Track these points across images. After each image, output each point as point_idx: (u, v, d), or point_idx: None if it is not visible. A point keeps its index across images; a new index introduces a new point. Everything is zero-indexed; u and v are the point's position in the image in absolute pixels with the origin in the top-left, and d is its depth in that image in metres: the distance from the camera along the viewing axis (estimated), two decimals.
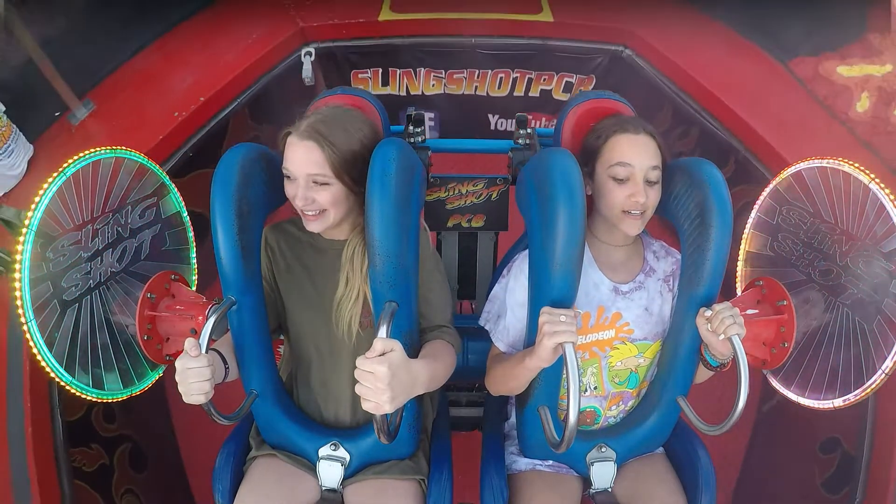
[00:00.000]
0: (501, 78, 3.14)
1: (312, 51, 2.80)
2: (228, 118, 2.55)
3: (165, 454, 2.53)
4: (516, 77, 3.13)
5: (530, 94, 3.21)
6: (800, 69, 2.51)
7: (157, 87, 2.44)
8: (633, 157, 1.42)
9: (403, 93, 3.22)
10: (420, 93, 3.23)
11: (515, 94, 3.21)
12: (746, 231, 1.80)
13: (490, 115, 3.37)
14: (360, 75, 3.12)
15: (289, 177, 1.41)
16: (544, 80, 3.14)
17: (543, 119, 3.31)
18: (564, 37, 2.90)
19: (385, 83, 3.19)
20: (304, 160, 1.37)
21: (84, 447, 1.95)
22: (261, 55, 2.63)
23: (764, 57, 2.63)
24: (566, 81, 3.13)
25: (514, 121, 2.99)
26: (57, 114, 2.30)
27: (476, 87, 3.21)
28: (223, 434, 1.59)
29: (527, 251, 1.48)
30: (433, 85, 3.22)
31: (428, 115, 3.33)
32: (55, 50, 2.15)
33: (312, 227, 1.42)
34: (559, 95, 3.20)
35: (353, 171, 1.39)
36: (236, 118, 2.64)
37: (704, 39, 2.72)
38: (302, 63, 2.81)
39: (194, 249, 1.81)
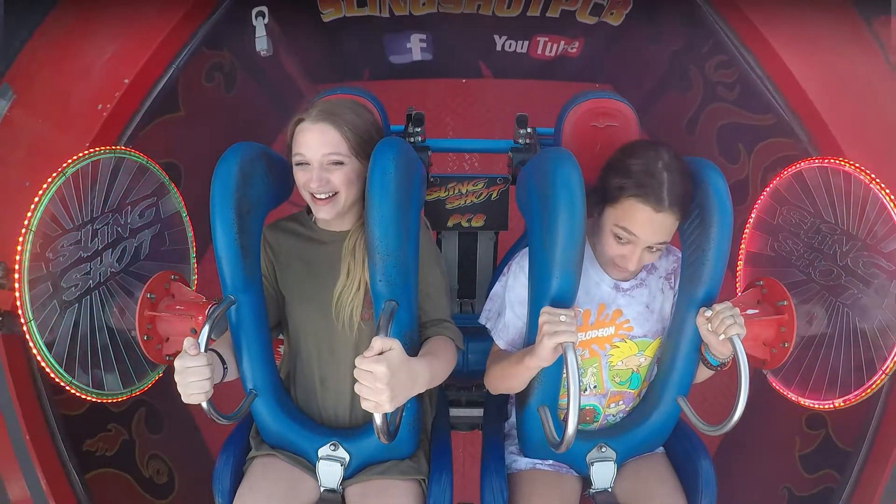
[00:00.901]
0: None
1: (265, 10, 2.32)
2: (186, 62, 2.20)
3: (176, 407, 2.44)
4: None
5: (548, 15, 2.75)
6: (883, 32, 2.09)
7: (78, 64, 2.01)
8: (642, 231, 1.35)
9: (386, 14, 2.77)
10: (408, 13, 2.76)
11: (529, 13, 2.73)
12: (746, 231, 1.80)
13: (496, 36, 2.95)
14: None
15: (300, 163, 1.41)
16: None
17: (562, 42, 2.91)
18: None
19: (362, 3, 2.71)
20: (319, 142, 1.38)
21: (103, 433, 1.98)
22: None
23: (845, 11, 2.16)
24: (595, 3, 2.69)
25: (525, 42, 2.82)
26: None
27: (479, 5, 2.71)
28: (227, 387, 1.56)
29: (527, 249, 1.49)
30: (423, 4, 2.73)
31: (418, 37, 2.90)
32: None
33: (323, 212, 1.42)
34: (584, 18, 2.79)
35: (368, 147, 1.40)
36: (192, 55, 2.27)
37: None
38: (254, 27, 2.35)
39: (193, 247, 1.81)
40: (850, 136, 1.93)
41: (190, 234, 1.79)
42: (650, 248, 1.38)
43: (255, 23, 2.31)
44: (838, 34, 2.06)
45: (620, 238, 1.38)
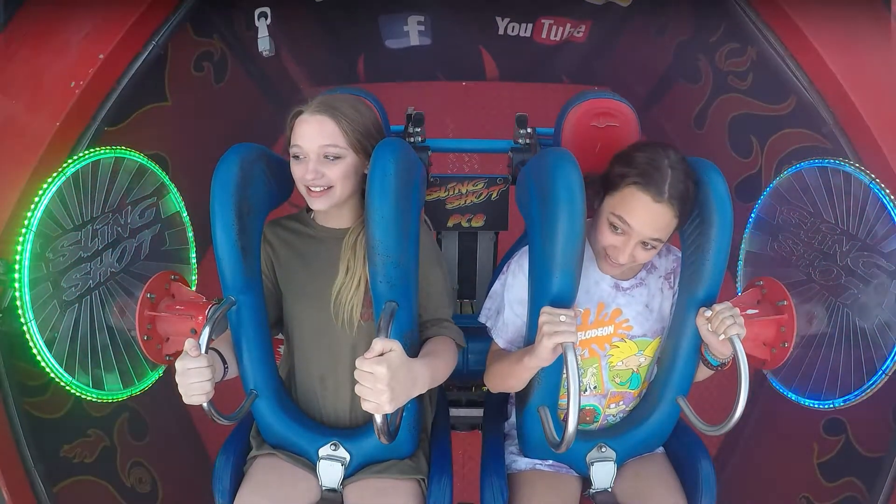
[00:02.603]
0: None
1: (268, 11, 2.26)
2: (167, 41, 2.10)
3: (162, 413, 2.39)
4: None
5: None
6: None
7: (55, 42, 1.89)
8: (637, 222, 1.34)
9: None
10: None
11: None
12: (746, 231, 1.80)
13: (498, 19, 2.78)
14: None
15: (297, 156, 1.41)
16: None
17: (568, 25, 2.76)
18: None
19: None
20: (316, 133, 1.38)
21: (82, 438, 1.91)
22: None
23: None
24: None
25: (530, 25, 2.63)
26: None
27: None
28: (227, 387, 1.53)
29: (526, 248, 1.49)
30: None
31: (416, 19, 2.75)
32: None
33: (318, 203, 1.42)
34: None
35: (366, 143, 1.41)
36: (176, 38, 2.17)
37: None
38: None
39: (194, 248, 1.81)
40: (880, 116, 1.80)
41: (190, 234, 1.79)
42: (644, 244, 1.37)
43: (257, 23, 2.26)
44: (867, 9, 1.93)
45: (616, 228, 1.37)
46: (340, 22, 2.93)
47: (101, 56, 1.84)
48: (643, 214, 1.34)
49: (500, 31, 2.79)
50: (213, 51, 2.49)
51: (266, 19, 2.23)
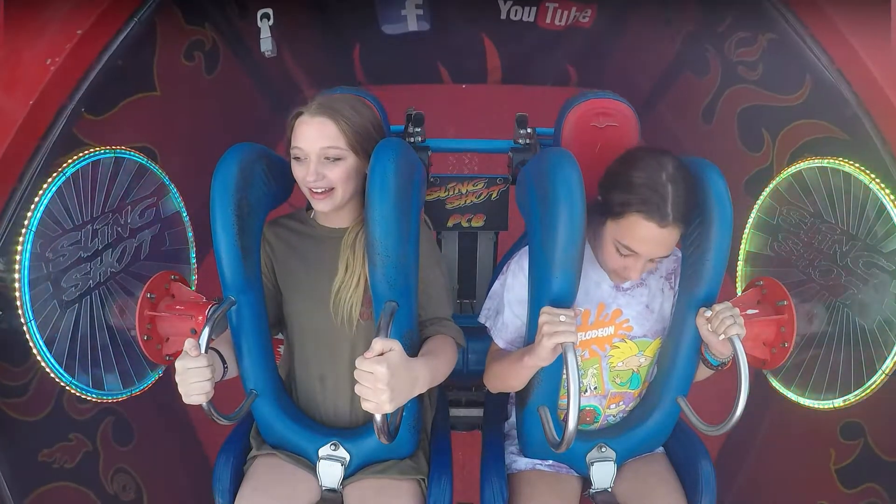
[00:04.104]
0: None
1: (270, 12, 2.21)
2: (150, 17, 1.99)
3: (148, 419, 2.27)
4: None
5: None
6: None
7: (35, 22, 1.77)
8: (645, 249, 1.33)
9: None
10: None
11: None
12: (746, 231, 1.80)
13: (501, 2, 2.67)
14: None
15: (298, 157, 1.41)
16: None
17: (573, 9, 2.65)
18: None
19: None
20: (317, 135, 1.38)
21: (63, 442, 1.82)
22: None
23: None
24: None
25: (534, 9, 2.50)
26: None
27: None
28: (227, 387, 1.51)
29: (526, 248, 1.49)
30: None
31: (414, 2, 2.63)
32: None
33: (321, 205, 1.43)
34: None
35: (366, 145, 1.41)
36: (166, 26, 2.13)
37: None
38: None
39: (194, 248, 1.81)
40: None
41: (190, 233, 1.79)
42: (651, 260, 1.38)
43: (259, 24, 2.21)
44: None
45: (622, 252, 1.37)
46: (335, 9, 2.82)
47: (80, 32, 1.73)
48: (650, 241, 1.32)
49: (503, 16, 2.66)
50: (205, 40, 2.40)
51: (269, 20, 2.19)
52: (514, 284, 1.52)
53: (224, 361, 1.42)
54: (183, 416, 2.47)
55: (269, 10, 2.18)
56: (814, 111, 1.99)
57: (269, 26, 2.19)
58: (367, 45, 3.05)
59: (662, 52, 2.83)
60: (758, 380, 1.59)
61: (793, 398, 1.57)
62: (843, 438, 1.95)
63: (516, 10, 2.63)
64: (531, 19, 2.82)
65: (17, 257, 1.32)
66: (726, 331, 1.32)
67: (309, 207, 1.57)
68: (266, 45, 2.21)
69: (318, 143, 1.38)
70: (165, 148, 2.08)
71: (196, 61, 2.42)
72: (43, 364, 1.36)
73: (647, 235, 1.31)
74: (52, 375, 1.37)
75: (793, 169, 1.65)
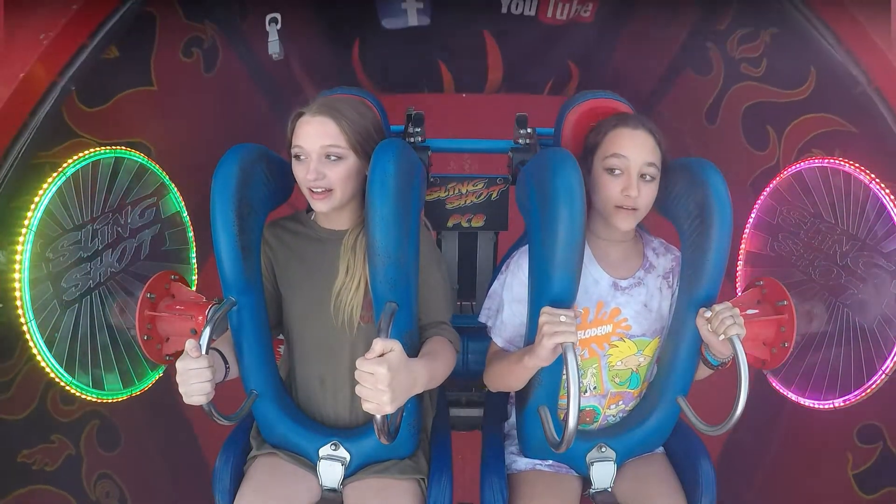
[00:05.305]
0: None
1: (278, 16, 2.22)
2: (154, 16, 2.01)
3: (135, 423, 2.21)
4: None
5: None
6: None
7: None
8: (629, 150, 1.42)
9: None
10: None
11: None
12: (746, 231, 1.80)
13: None
14: None
15: (298, 156, 1.41)
16: None
17: (575, 2, 2.64)
18: None
19: None
20: (318, 133, 1.38)
21: (44, 444, 1.78)
22: None
23: None
24: None
25: (535, 3, 2.51)
26: None
27: None
28: (227, 388, 1.49)
29: (525, 247, 1.49)
30: None
31: None
32: None
33: (320, 205, 1.43)
34: None
35: (367, 145, 1.42)
36: (165, 20, 2.11)
37: None
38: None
39: (194, 248, 1.80)
40: None
41: (190, 233, 1.79)
42: (643, 176, 1.42)
43: (268, 28, 2.22)
44: None
45: (613, 168, 1.42)
46: (335, 4, 2.80)
47: (74, 7, 1.69)
48: (631, 140, 1.43)
49: (504, 10, 2.62)
50: (204, 37, 2.37)
51: (277, 24, 2.20)
52: (513, 283, 1.52)
53: (226, 361, 1.42)
54: (180, 416, 2.44)
55: (278, 15, 2.19)
56: (820, 104, 1.98)
57: (277, 30, 2.21)
58: (368, 42, 3.04)
59: (665, 48, 2.81)
60: (761, 382, 1.58)
61: (793, 398, 1.56)
62: (861, 442, 1.93)
63: (518, 4, 2.60)
64: (532, 13, 2.82)
65: (18, 257, 1.32)
66: (726, 331, 1.32)
67: (309, 209, 1.57)
68: (274, 48, 2.23)
69: (319, 141, 1.38)
70: (161, 145, 2.07)
71: (194, 58, 2.39)
72: (43, 364, 1.36)
73: (626, 137, 1.44)
74: (53, 375, 1.37)
75: (793, 169, 1.65)
